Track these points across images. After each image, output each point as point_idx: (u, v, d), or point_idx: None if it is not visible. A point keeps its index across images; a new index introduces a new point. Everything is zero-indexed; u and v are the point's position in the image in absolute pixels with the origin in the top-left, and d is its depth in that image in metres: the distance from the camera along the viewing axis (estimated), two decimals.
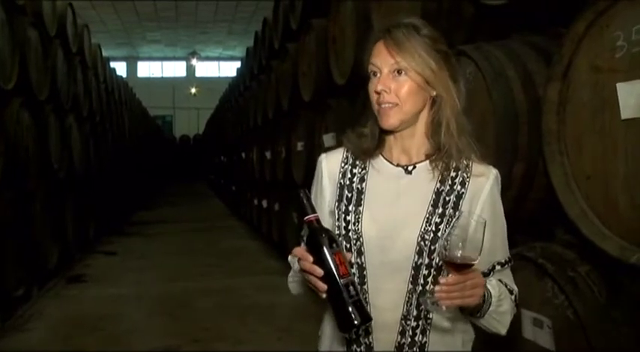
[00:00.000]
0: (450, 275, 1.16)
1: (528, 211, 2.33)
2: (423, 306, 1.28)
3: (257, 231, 8.78)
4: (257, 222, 8.71)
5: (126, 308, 5.07)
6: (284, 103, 6.23)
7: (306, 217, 1.23)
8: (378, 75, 1.30)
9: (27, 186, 5.20)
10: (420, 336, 1.30)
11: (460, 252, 1.14)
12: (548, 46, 2.33)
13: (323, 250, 1.19)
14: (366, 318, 1.19)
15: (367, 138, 1.37)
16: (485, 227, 1.17)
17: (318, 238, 1.20)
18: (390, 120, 1.29)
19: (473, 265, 1.16)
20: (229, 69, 23.58)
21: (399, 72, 1.27)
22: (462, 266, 1.15)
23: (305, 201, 1.24)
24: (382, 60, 1.29)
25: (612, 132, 1.83)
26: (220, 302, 5.18)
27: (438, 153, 1.32)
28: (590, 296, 1.88)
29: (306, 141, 5.22)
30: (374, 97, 1.31)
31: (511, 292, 1.33)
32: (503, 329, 1.32)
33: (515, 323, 2.10)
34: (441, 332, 1.31)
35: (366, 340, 1.32)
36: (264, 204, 7.90)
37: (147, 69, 27.68)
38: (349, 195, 1.36)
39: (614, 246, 1.81)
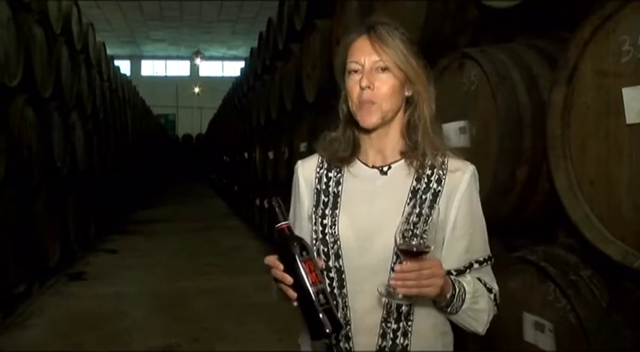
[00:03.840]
0: (405, 262, 1.16)
1: (531, 214, 2.33)
2: (403, 308, 1.27)
3: (258, 230, 8.78)
4: (258, 222, 8.71)
5: (126, 306, 5.07)
6: (287, 104, 6.23)
7: (278, 225, 1.24)
8: (360, 71, 1.29)
9: (30, 183, 5.21)
10: (402, 339, 1.28)
11: (415, 239, 1.15)
12: (553, 50, 2.33)
13: (293, 258, 1.19)
14: (338, 326, 1.18)
15: (341, 144, 1.36)
16: (439, 213, 1.19)
17: (288, 246, 1.21)
18: (372, 118, 1.29)
19: (427, 252, 1.15)
20: (233, 69, 23.63)
21: (382, 69, 1.27)
22: (416, 254, 1.15)
23: (277, 209, 1.24)
24: (366, 56, 1.28)
25: (617, 137, 1.83)
26: (220, 302, 5.18)
27: (413, 152, 1.31)
28: (592, 301, 1.88)
29: (309, 142, 5.22)
30: (355, 93, 1.29)
31: (490, 290, 1.31)
32: (479, 328, 1.30)
33: (517, 326, 2.11)
34: (423, 334, 1.30)
35: (347, 345, 1.30)
36: (266, 204, 7.91)
37: (151, 68, 27.71)
38: (325, 199, 1.36)
39: (617, 250, 1.80)
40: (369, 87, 1.27)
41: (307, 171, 1.42)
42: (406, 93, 1.31)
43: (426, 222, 1.23)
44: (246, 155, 9.99)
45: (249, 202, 9.74)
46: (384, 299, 1.25)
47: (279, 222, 1.24)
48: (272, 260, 1.22)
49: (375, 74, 1.27)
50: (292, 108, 6.04)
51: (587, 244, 1.90)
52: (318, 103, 5.01)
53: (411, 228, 1.23)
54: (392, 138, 1.33)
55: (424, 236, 1.16)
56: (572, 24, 1.98)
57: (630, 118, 1.77)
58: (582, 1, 1.96)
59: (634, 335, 1.85)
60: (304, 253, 1.20)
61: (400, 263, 1.19)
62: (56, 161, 6.08)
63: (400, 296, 1.16)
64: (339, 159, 1.36)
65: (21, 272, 4.92)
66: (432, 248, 1.16)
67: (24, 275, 5.00)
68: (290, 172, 5.82)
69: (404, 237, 1.16)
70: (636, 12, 1.77)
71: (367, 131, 1.33)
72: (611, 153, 1.86)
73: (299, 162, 1.46)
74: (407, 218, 1.19)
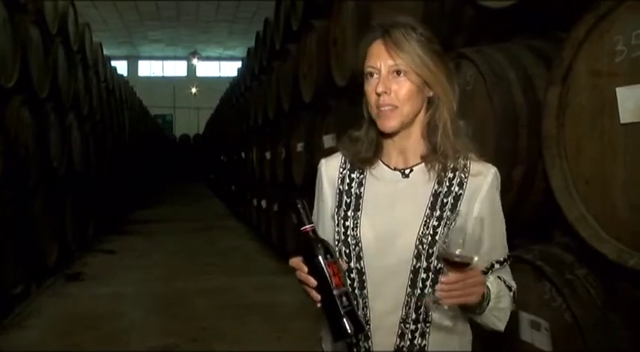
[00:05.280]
0: (450, 273, 1.17)
1: (527, 214, 2.34)
2: (422, 309, 1.29)
3: (256, 231, 8.78)
4: (256, 222, 8.72)
5: (124, 306, 5.07)
6: (284, 104, 6.24)
7: (302, 227, 1.23)
8: (376, 76, 1.28)
9: (27, 184, 5.21)
10: (420, 339, 1.30)
11: (459, 250, 1.15)
12: (549, 49, 2.34)
13: (317, 261, 1.19)
14: (360, 327, 1.19)
15: (364, 144, 1.36)
16: (483, 224, 1.19)
17: (312, 249, 1.21)
18: (391, 122, 1.29)
19: (471, 263, 1.16)
20: (230, 69, 23.60)
21: (398, 73, 1.27)
22: (460, 265, 1.16)
23: (302, 211, 1.23)
24: (382, 61, 1.27)
25: (611, 137, 1.84)
26: (219, 302, 5.19)
27: (434, 154, 1.31)
28: (587, 299, 1.89)
29: (306, 142, 5.23)
30: (373, 99, 1.29)
31: (510, 288, 1.33)
32: (501, 326, 1.32)
33: (513, 325, 2.12)
34: (440, 335, 1.31)
35: (366, 344, 1.32)
36: (264, 204, 7.91)
37: (148, 68, 27.70)
38: (348, 200, 1.36)
39: (613, 249, 1.81)
40: (385, 92, 1.27)
41: (331, 170, 1.42)
42: (427, 94, 1.31)
43: (446, 225, 1.24)
44: (243, 155, 10.00)
45: (247, 202, 9.74)
46: (402, 300, 1.28)
47: (303, 225, 1.23)
48: (296, 262, 1.23)
49: (392, 78, 1.27)
50: (289, 109, 6.05)
51: (583, 243, 1.91)
52: (315, 103, 5.02)
53: (431, 232, 1.25)
54: (414, 140, 1.33)
55: (446, 238, 1.19)
56: (569, 23, 1.99)
57: (624, 118, 1.78)
58: (578, 0, 1.97)
59: (630, 335, 1.86)
60: (328, 256, 1.20)
61: (441, 273, 1.22)
62: (53, 161, 6.08)
63: (446, 307, 1.19)
64: (361, 160, 1.37)
65: (19, 273, 4.92)
66: (476, 259, 1.17)
67: (22, 275, 4.99)
68: (287, 172, 5.81)
69: (446, 248, 1.17)
70: (630, 12, 1.78)
71: (390, 135, 1.33)
72: (605, 153, 1.87)
73: (322, 161, 1.46)
74: (427, 222, 1.19)
